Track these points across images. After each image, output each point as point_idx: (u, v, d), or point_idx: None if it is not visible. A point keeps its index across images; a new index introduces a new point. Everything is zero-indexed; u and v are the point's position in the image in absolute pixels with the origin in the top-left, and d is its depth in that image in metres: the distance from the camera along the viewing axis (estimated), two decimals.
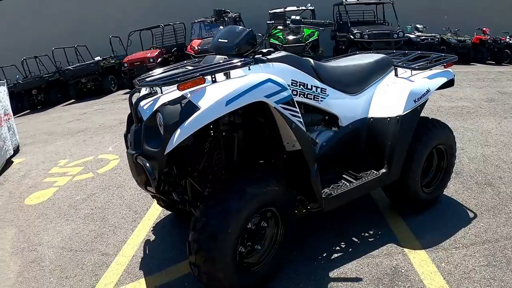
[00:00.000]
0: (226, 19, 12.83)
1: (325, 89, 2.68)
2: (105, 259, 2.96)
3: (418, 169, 2.87)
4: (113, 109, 10.42)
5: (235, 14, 13.76)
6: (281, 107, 2.11)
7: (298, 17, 2.64)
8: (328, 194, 2.49)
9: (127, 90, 13.34)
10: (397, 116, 2.69)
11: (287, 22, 2.63)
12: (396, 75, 2.97)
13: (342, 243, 2.84)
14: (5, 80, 8.92)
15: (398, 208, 3.19)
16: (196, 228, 2.02)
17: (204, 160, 2.44)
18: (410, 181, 2.86)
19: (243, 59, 2.23)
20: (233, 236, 2.04)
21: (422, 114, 2.91)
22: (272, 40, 11.55)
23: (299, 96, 2.53)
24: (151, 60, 13.24)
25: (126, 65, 13.37)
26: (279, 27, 2.71)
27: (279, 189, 2.25)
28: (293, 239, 2.53)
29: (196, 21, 14.11)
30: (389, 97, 2.82)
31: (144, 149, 2.02)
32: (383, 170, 2.72)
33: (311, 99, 2.60)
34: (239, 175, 2.22)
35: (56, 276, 2.88)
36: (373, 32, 10.94)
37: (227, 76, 2.14)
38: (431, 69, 3.00)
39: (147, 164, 1.96)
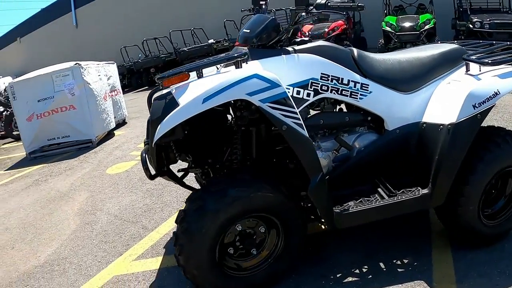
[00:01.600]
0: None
1: (367, 84, 2.33)
2: (142, 232, 3.22)
3: (474, 195, 2.27)
4: None
5: None
6: (268, 106, 1.94)
7: (323, 1, 2.22)
8: (344, 210, 2.18)
9: None
10: (448, 125, 2.17)
11: (310, 8, 2.24)
12: (467, 70, 2.37)
13: (365, 267, 2.41)
14: (117, 61, 9.99)
15: (452, 237, 2.56)
16: (177, 220, 2.07)
17: (227, 153, 2.43)
18: (461, 209, 2.28)
19: (238, 53, 2.14)
20: (208, 236, 1.99)
21: (494, 122, 2.46)
22: (384, 27, 10.99)
23: (331, 92, 2.26)
24: None
25: None
26: (302, 13, 2.43)
27: (274, 196, 2.08)
28: (295, 255, 2.29)
29: None
30: (446, 98, 2.31)
31: (145, 142, 2.15)
32: (425, 191, 2.25)
33: (346, 95, 2.29)
34: (225, 175, 2.17)
35: (98, 239, 3.25)
36: (495, 21, 9.57)
37: (218, 70, 2.11)
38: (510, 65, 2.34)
39: (143, 155, 2.13)
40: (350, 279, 2.32)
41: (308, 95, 2.21)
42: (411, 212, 2.38)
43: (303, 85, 2.20)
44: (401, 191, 2.30)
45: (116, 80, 8.36)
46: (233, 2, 17.20)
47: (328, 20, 10.67)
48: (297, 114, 2.01)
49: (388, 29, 10.86)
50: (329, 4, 2.23)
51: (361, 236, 2.67)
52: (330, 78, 2.25)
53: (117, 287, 2.52)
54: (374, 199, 2.28)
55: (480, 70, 2.32)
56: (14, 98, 6.69)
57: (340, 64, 2.29)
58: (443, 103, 2.31)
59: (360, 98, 2.32)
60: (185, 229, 1.99)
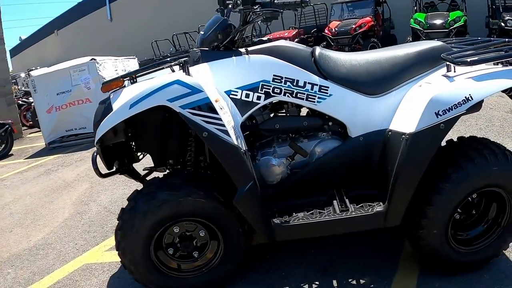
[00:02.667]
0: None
1: (327, 87, 2.19)
2: None
3: (439, 218, 2.01)
4: None
5: None
6: (188, 112, 1.91)
7: None
8: (284, 222, 2.09)
9: None
10: (407, 134, 1.95)
11: (256, 7, 2.15)
12: (448, 71, 2.07)
13: (316, 283, 2.25)
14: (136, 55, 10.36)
15: (422, 260, 2.27)
16: (118, 217, 2.18)
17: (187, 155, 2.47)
18: (423, 232, 2.04)
19: (178, 61, 2.18)
20: (140, 235, 2.06)
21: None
22: (412, 24, 10.79)
23: (285, 94, 2.17)
24: (288, 40, 13.66)
25: None
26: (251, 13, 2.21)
27: (206, 202, 2.07)
28: (238, 261, 2.26)
29: (337, 1, 13.97)
30: (412, 104, 2.08)
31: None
32: (379, 209, 2.06)
33: (302, 99, 2.18)
34: (159, 178, 2.21)
35: (83, 229, 3.49)
36: None
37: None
38: (497, 65, 2.04)
39: (94, 155, 2.33)
40: None
41: (259, 98, 2.15)
42: (363, 229, 2.18)
43: (252, 88, 2.15)
44: (359, 205, 2.14)
45: None
46: None
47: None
48: (220, 120, 1.93)
49: (416, 26, 10.68)
50: (275, 2, 2.16)
51: (326, 249, 2.55)
52: (283, 80, 2.16)
53: (84, 274, 2.73)
54: (327, 212, 2.15)
55: (455, 71, 2.04)
56: (35, 91, 7.17)
57: (297, 65, 2.20)
58: (408, 109, 2.08)
59: (318, 102, 2.19)
60: (120, 227, 2.10)
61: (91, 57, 7.02)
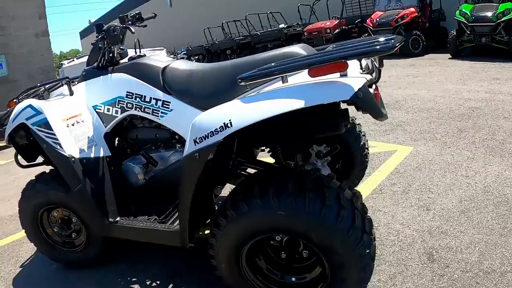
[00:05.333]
0: None
1: (169, 102, 2.34)
2: None
3: (222, 253, 1.93)
4: None
5: None
6: (36, 128, 2.41)
7: (106, 26, 2.55)
8: (116, 222, 2.41)
9: None
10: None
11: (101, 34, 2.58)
12: (284, 82, 1.80)
13: (157, 282, 2.51)
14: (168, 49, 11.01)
15: None
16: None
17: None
18: (214, 262, 2.01)
19: (67, 80, 2.65)
20: (28, 212, 2.69)
21: None
22: (457, 17, 10.31)
23: (135, 109, 2.42)
24: (328, 30, 13.72)
25: (305, 34, 14.33)
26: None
27: (64, 195, 2.49)
28: (99, 248, 2.66)
29: None
30: None
31: None
32: (176, 227, 2.20)
33: (149, 113, 2.39)
34: (41, 174, 2.72)
35: None
36: None
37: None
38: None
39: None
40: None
41: (116, 112, 2.48)
42: (159, 242, 2.34)
43: (112, 103, 2.49)
44: (172, 220, 2.29)
45: None
46: None
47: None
48: (55, 135, 2.36)
49: (461, 19, 10.15)
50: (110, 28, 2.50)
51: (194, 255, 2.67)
52: (134, 96, 2.41)
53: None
54: (153, 220, 2.36)
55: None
56: None
57: (147, 82, 2.39)
58: None
59: (161, 116, 2.34)
60: (20, 201, 2.74)
61: None
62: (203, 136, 1.74)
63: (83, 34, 49.93)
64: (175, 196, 2.12)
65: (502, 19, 9.65)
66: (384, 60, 1.80)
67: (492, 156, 3.62)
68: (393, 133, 4.70)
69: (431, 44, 11.54)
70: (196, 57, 20.72)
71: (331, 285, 1.79)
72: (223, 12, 21.39)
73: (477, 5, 10.42)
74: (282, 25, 15.61)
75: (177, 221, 2.16)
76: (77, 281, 2.68)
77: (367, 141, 3.00)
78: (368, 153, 3.01)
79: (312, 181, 1.75)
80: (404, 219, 2.82)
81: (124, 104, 2.45)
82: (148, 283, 2.53)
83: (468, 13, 10.09)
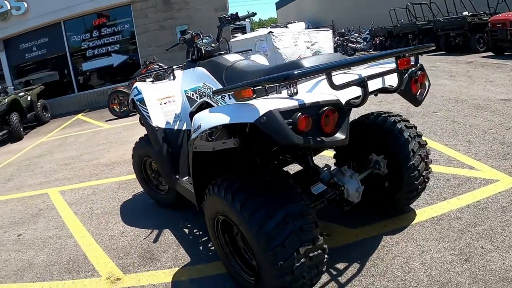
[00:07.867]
0: None
1: (225, 95, 2.84)
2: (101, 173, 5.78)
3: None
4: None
5: None
6: (138, 104, 3.31)
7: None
8: (178, 179, 3.20)
9: (489, 54, 12.43)
10: None
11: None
12: None
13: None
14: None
15: None
16: None
17: None
18: None
19: (172, 67, 3.60)
20: (138, 160, 3.86)
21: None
22: None
23: (207, 98, 3.04)
24: None
25: (489, 25, 13.07)
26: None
27: (152, 151, 3.47)
28: (172, 200, 3.64)
29: None
30: None
31: None
32: None
33: (214, 102, 2.97)
34: None
35: (80, 172, 6.06)
36: None
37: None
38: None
39: None
40: None
41: (197, 97, 3.20)
42: None
43: (195, 90, 3.20)
44: None
45: (323, 46, 10.30)
46: None
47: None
48: (147, 110, 3.31)
49: None
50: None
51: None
52: (207, 87, 3.07)
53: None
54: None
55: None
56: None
57: (215, 77, 3.01)
58: None
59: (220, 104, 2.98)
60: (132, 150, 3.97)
61: (269, 30, 8.93)
62: (193, 129, 2.22)
63: (279, 5, 53.65)
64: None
65: None
66: None
67: None
68: None
69: None
70: (377, 39, 20.60)
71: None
72: None
73: None
74: (465, 13, 14.20)
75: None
76: (162, 212, 3.83)
77: (426, 162, 2.73)
78: (423, 176, 2.72)
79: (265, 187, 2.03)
80: (431, 260, 2.44)
81: (201, 92, 3.12)
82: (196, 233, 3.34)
83: None
